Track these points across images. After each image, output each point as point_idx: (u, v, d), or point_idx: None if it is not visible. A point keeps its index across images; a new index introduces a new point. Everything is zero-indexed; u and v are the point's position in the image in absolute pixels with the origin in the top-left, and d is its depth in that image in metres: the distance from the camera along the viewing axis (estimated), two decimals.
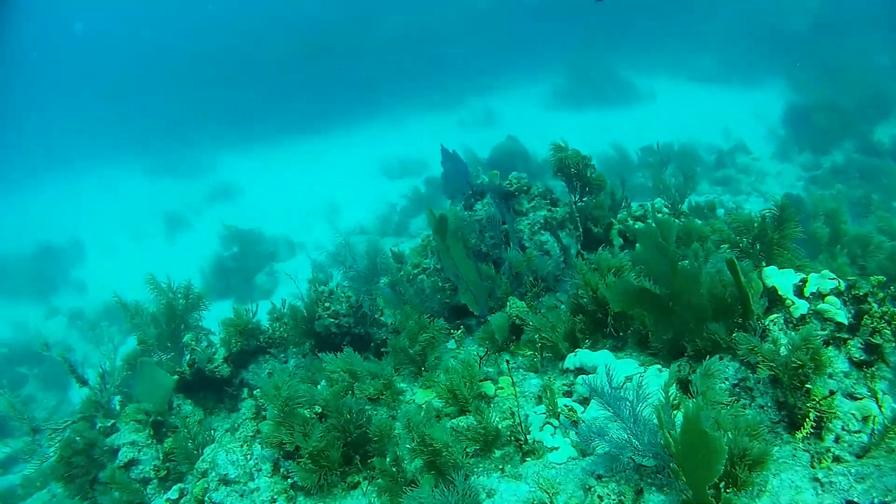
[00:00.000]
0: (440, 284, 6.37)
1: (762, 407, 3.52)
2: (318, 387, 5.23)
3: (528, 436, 3.61)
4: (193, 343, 6.53)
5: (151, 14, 54.35)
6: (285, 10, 50.95)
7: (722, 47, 30.95)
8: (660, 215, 7.05)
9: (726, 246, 6.06)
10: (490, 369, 4.73)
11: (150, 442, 5.86)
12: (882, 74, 23.03)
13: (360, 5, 48.90)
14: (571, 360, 4.21)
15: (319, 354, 5.13)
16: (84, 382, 6.47)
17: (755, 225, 5.62)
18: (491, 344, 5.07)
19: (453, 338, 5.49)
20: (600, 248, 6.84)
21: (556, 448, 3.54)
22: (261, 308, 6.98)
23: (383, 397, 4.56)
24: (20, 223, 26.55)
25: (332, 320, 6.18)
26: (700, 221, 7.31)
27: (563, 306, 5.32)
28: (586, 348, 4.43)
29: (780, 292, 3.97)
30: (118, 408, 6.59)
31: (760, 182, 16.55)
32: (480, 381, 4.33)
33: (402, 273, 7.12)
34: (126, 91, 46.82)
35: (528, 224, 6.70)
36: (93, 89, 47.98)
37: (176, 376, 6.24)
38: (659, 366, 3.83)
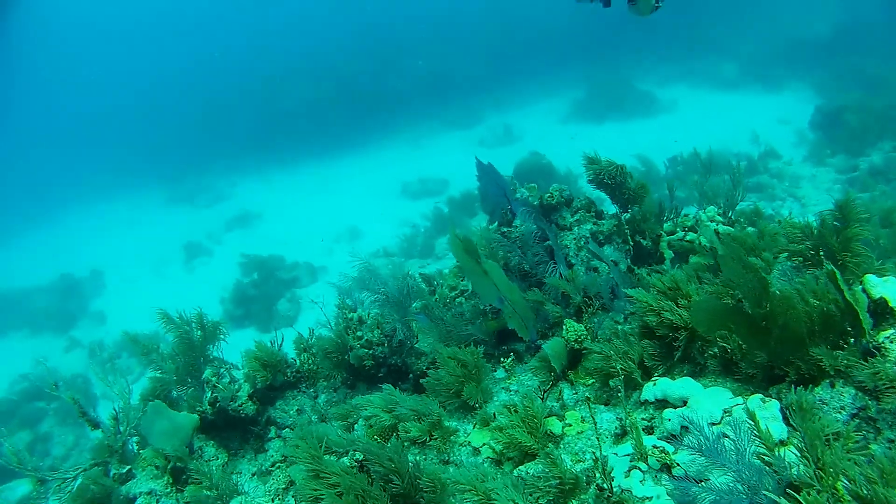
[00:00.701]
0: (481, 307, 5.87)
1: (892, 441, 2.96)
2: (356, 426, 4.74)
3: (612, 483, 3.06)
4: (214, 379, 6.02)
5: (168, 44, 54.70)
6: (302, 36, 51.01)
7: (741, 53, 30.45)
8: (712, 224, 6.52)
9: (784, 255, 5.53)
10: (552, 403, 4.19)
11: (169, 490, 5.34)
12: None
13: (379, 30, 48.88)
14: (651, 391, 3.65)
15: (354, 399, 4.63)
16: (96, 426, 5.98)
17: (814, 230, 5.05)
18: (549, 373, 4.54)
19: (503, 366, 4.96)
20: (651, 262, 6.38)
21: (650, 498, 2.97)
22: (285, 336, 6.51)
23: (433, 440, 4.02)
24: (41, 256, 26.55)
25: (365, 350, 5.67)
26: (751, 229, 6.77)
27: (623, 327, 4.80)
28: (659, 376, 3.90)
29: (891, 304, 3.42)
30: (136, 450, 6.10)
31: (795, 187, 15.98)
32: (545, 417, 3.80)
33: (436, 297, 6.61)
34: (144, 122, 46.92)
35: (574, 239, 6.19)
36: (111, 122, 48.14)
37: (197, 416, 5.73)
38: (761, 395, 3.27)
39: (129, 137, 44.97)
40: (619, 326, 4.93)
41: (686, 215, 6.90)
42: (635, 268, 6.18)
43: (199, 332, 6.65)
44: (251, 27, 54.20)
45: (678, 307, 3.87)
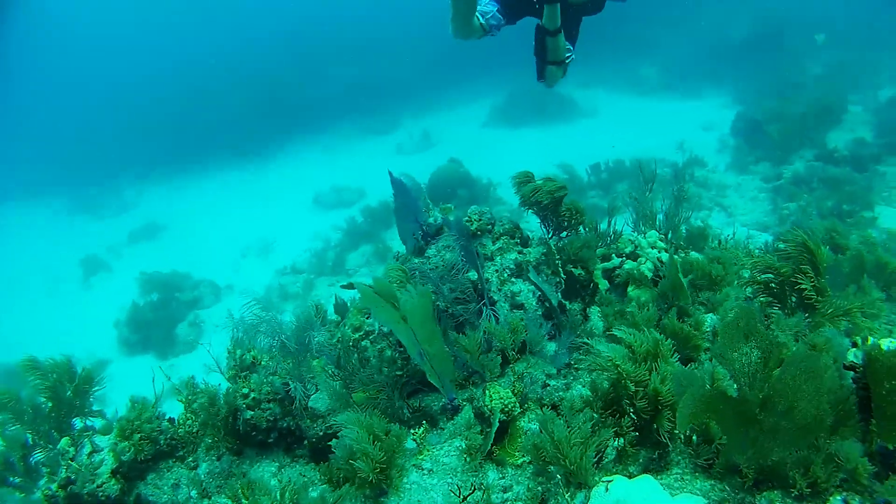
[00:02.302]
0: (388, 354, 4.96)
1: None
2: None
3: None
4: (72, 451, 4.97)
5: (74, 44, 52.38)
6: (216, 43, 49.51)
7: (659, 58, 30.44)
8: (653, 251, 5.78)
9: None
10: (477, 495, 3.31)
11: None
12: (819, 83, 22.77)
13: (295, 37, 47.78)
14: (602, 500, 2.79)
15: (248, 470, 3.69)
16: None
17: (781, 267, 4.39)
18: (471, 452, 3.68)
19: (413, 437, 4.07)
20: (584, 294, 5.60)
21: None
22: (183, 366, 5.55)
23: None
24: None
25: (254, 412, 4.72)
26: (696, 254, 6.10)
27: (557, 383, 4.01)
28: (609, 461, 3.09)
29: None
30: None
31: (721, 196, 15.61)
32: None
33: (338, 336, 5.62)
34: (43, 127, 44.49)
35: (496, 271, 5.32)
36: (8, 122, 45.51)
37: (44, 503, 4.66)
38: None
39: (29, 140, 42.47)
40: (568, 388, 4.14)
41: (619, 234, 6.19)
42: (566, 303, 5.39)
43: (69, 384, 5.61)
44: (167, 32, 52.31)
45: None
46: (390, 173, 6.18)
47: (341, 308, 6.37)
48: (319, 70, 42.54)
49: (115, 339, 15.05)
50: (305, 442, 4.77)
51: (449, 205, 6.11)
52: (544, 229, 5.76)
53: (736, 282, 4.90)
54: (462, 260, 5.22)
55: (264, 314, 5.60)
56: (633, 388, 3.04)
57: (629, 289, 5.50)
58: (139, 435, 4.83)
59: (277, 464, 4.78)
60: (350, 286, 4.82)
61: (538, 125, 26.77)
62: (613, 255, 5.85)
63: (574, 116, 27.25)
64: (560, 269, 5.36)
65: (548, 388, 4.30)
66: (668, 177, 15.48)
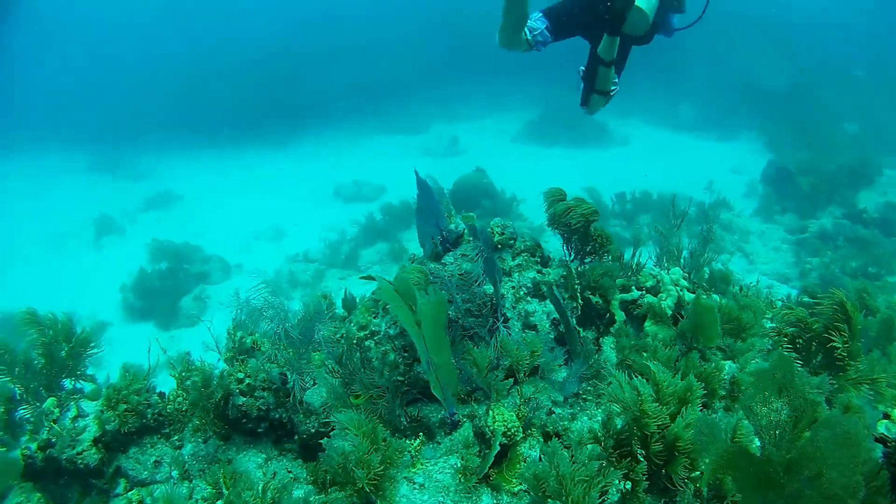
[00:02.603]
0: (392, 357, 4.80)
1: None
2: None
3: None
4: (56, 412, 4.84)
5: (114, 11, 52.58)
6: (249, 25, 49.65)
7: (697, 97, 30.21)
8: (675, 288, 5.61)
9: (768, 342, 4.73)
10: None
11: None
12: (854, 140, 22.55)
13: (326, 24, 47.83)
14: None
15: (233, 458, 3.56)
16: None
17: (812, 323, 4.23)
18: (466, 473, 3.53)
19: (408, 450, 3.91)
20: (599, 323, 5.43)
21: None
22: (184, 339, 5.43)
23: None
24: None
25: (247, 399, 4.58)
26: (719, 297, 5.91)
27: (562, 411, 3.85)
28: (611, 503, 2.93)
29: None
30: None
31: (744, 241, 15.42)
32: None
33: (342, 333, 5.46)
34: (75, 85, 44.68)
35: (512, 288, 5.17)
36: (40, 79, 45.77)
37: (21, 461, 4.52)
38: None
39: (54, 96, 42.64)
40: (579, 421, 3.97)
41: (642, 267, 6.00)
42: (580, 329, 5.22)
43: (65, 345, 5.47)
44: (202, 9, 52.49)
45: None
46: (416, 173, 6.01)
47: (349, 303, 6.23)
48: (354, 66, 42.50)
49: (119, 303, 14.94)
50: (296, 437, 4.63)
51: (471, 213, 5.95)
52: (566, 251, 5.61)
53: (760, 332, 4.73)
54: (489, 273, 5.06)
55: (272, 298, 5.43)
56: (653, 429, 2.88)
57: (647, 324, 5.33)
58: (125, 406, 4.69)
59: (265, 455, 4.64)
60: (370, 278, 4.64)
61: (569, 146, 26.67)
62: (633, 287, 5.67)
63: (606, 143, 27.12)
64: (578, 295, 5.20)
65: (553, 415, 4.15)
66: (692, 215, 15.32)
